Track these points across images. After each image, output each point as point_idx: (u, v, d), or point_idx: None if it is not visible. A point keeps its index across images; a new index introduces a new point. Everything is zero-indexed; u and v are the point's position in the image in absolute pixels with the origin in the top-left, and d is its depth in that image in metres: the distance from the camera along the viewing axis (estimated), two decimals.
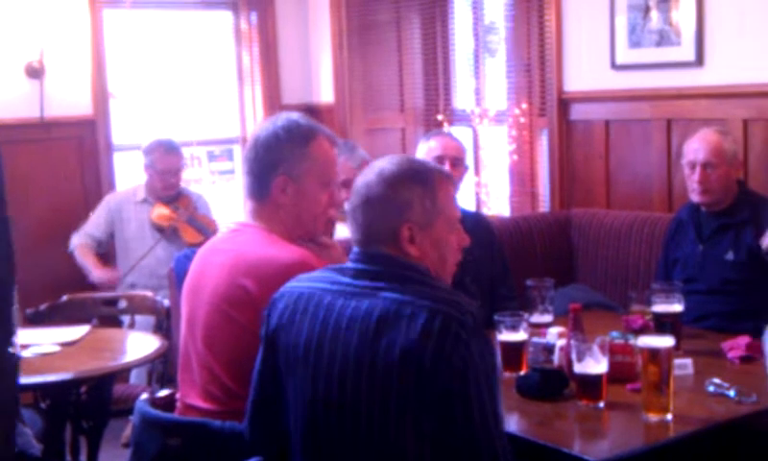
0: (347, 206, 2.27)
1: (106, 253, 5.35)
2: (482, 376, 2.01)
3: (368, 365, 2.05)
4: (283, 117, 2.61)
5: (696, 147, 3.75)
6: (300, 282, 2.24)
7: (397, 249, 2.16)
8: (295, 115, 2.63)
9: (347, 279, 2.17)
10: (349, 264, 2.22)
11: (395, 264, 2.15)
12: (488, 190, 5.81)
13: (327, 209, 2.64)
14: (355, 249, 2.21)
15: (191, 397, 2.54)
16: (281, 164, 2.53)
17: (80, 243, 5.20)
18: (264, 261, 2.44)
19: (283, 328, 2.19)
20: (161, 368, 4.39)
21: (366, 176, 2.22)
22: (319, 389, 2.11)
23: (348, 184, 4.69)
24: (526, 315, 3.07)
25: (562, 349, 2.88)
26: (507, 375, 2.89)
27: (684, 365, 2.88)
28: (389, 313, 2.05)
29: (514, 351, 2.93)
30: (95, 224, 5.28)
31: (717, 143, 3.70)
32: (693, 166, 3.72)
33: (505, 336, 2.93)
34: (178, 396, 2.63)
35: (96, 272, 5.11)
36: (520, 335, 2.94)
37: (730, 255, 3.65)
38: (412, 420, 2.03)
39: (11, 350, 2.15)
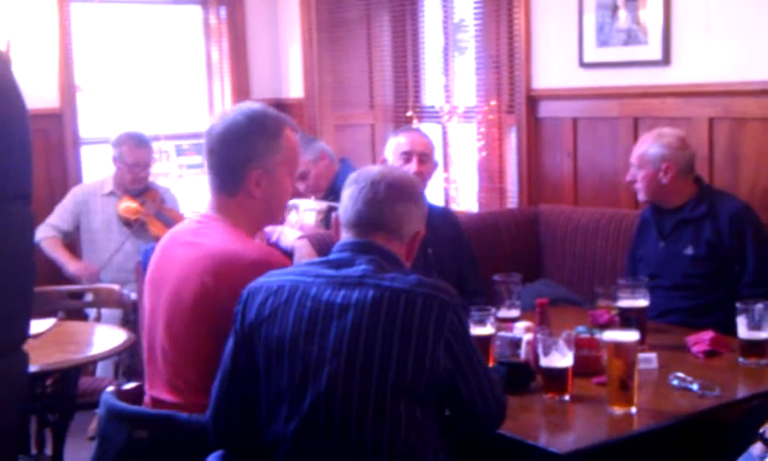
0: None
1: (71, 243, 5.31)
2: (473, 351, 2.17)
3: (362, 355, 2.08)
4: (245, 108, 2.57)
5: (634, 147, 3.90)
6: (277, 276, 2.24)
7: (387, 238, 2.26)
8: (256, 105, 2.60)
9: (330, 271, 2.19)
10: (332, 256, 2.26)
11: (378, 253, 2.22)
12: (456, 186, 5.84)
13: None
14: (346, 239, 2.27)
15: (156, 389, 2.53)
16: (255, 158, 2.51)
17: (46, 236, 5.15)
18: (230, 257, 2.42)
19: (265, 322, 2.18)
20: (128, 361, 4.37)
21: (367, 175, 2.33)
22: (308, 381, 2.11)
23: (304, 176, 4.74)
24: (493, 309, 3.08)
25: (528, 343, 2.90)
26: None
27: (648, 359, 2.91)
28: (383, 301, 2.09)
29: (481, 345, 2.94)
30: (61, 216, 5.24)
31: (642, 146, 3.82)
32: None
33: (472, 330, 2.94)
34: (145, 388, 2.62)
35: (72, 266, 5.07)
36: (487, 329, 2.95)
37: (689, 250, 3.70)
38: (406, 407, 2.08)
39: (24, 348, 2.17)
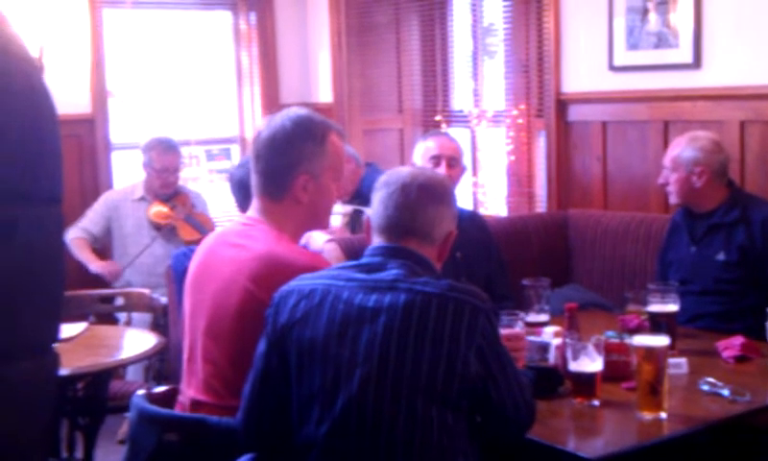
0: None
1: (101, 249, 5.35)
2: (504, 356, 2.17)
3: (394, 359, 2.08)
4: (292, 113, 2.58)
5: (667, 150, 3.88)
6: (309, 280, 2.25)
7: (419, 243, 2.25)
8: (303, 111, 2.61)
9: (362, 275, 2.19)
10: (363, 260, 2.26)
11: (410, 258, 2.21)
12: (485, 190, 5.83)
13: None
14: (378, 243, 2.27)
15: (192, 389, 2.54)
16: (302, 163, 2.52)
17: (75, 237, 5.19)
18: (277, 262, 2.43)
19: (297, 324, 2.19)
20: (158, 365, 4.39)
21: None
22: (340, 384, 2.11)
23: None
24: (522, 314, 3.07)
25: (557, 347, 2.89)
26: None
27: (678, 364, 2.89)
28: (414, 305, 2.09)
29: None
30: (92, 220, 5.29)
31: (675, 149, 3.80)
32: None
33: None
34: (181, 387, 2.63)
35: (95, 265, 5.12)
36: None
37: (721, 256, 3.68)
38: (438, 412, 2.07)
39: (55, 349, 2.19)
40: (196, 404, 2.52)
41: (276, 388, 2.24)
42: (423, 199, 2.27)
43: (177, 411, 2.59)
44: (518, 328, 2.92)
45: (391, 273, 2.17)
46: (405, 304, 2.09)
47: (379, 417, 2.07)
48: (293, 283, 2.26)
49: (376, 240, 2.29)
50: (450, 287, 2.13)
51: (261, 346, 2.27)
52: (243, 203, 3.40)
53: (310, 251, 2.66)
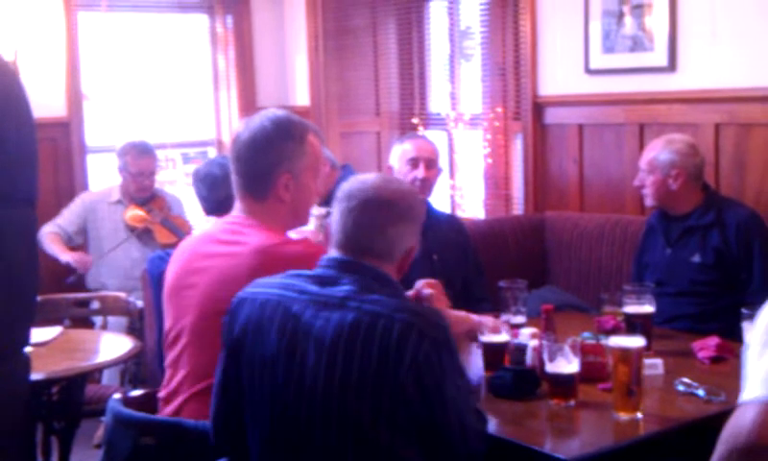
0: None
1: (75, 248, 5.31)
2: (451, 384, 2.06)
3: (339, 379, 2.02)
4: (271, 114, 2.61)
5: (643, 152, 3.90)
6: (262, 288, 2.21)
7: (377, 259, 2.17)
8: (280, 112, 2.64)
9: (314, 288, 2.14)
10: (317, 271, 2.20)
11: (366, 273, 2.15)
12: (462, 193, 5.84)
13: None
14: (334, 255, 2.21)
15: (185, 387, 2.53)
16: (283, 162, 2.55)
17: (49, 231, 5.16)
18: (275, 254, 2.44)
19: (250, 336, 2.15)
20: (134, 369, 4.37)
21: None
22: (288, 402, 2.07)
23: None
24: (504, 317, 3.08)
25: (534, 349, 2.89)
26: (488, 376, 2.89)
27: (654, 365, 2.90)
28: (361, 326, 2.03)
29: (496, 352, 2.94)
30: (67, 219, 5.26)
31: (651, 152, 3.82)
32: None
33: (487, 338, 2.95)
34: (163, 388, 2.61)
35: (65, 255, 5.08)
36: (502, 337, 2.94)
37: (696, 258, 3.70)
38: (387, 434, 2.01)
39: (26, 350, 2.17)
40: (187, 402, 2.51)
41: (236, 396, 2.21)
42: (384, 219, 2.19)
43: (159, 414, 2.58)
44: (504, 332, 2.93)
45: (342, 289, 2.10)
46: (351, 325, 2.03)
47: (328, 436, 2.03)
48: (248, 290, 2.22)
49: (333, 251, 2.22)
50: (398, 308, 2.05)
51: (221, 353, 2.24)
52: (207, 197, 3.43)
53: (306, 239, 2.68)
